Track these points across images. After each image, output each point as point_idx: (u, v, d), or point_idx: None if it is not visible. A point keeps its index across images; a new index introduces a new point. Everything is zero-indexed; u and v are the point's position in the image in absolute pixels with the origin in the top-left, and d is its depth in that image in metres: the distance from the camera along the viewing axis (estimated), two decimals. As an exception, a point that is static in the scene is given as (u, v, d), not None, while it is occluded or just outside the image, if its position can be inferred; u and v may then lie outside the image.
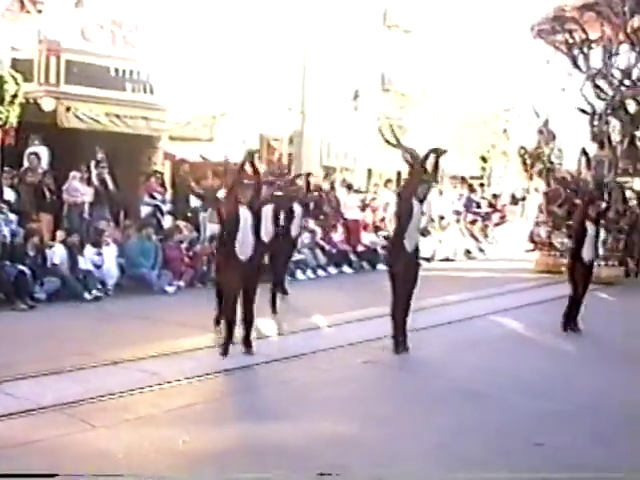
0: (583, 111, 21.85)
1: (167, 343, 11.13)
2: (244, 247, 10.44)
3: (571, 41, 21.55)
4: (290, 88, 27.89)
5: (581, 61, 21.73)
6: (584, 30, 21.10)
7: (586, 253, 13.17)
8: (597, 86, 21.37)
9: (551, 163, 22.27)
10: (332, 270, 19.74)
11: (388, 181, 27.72)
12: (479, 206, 28.17)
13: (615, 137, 21.64)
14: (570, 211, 20.48)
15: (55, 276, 14.54)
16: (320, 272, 19.44)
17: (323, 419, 8.12)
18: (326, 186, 23.45)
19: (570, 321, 13.20)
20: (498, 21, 29.57)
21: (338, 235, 20.99)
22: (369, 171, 31.43)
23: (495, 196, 30.17)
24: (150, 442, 7.25)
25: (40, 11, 19.08)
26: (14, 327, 12.06)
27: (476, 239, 25.70)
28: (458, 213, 26.35)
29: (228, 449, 7.24)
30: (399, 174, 30.74)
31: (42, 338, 11.27)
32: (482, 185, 31.86)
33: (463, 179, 29.67)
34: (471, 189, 28.90)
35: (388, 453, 7.24)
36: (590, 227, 13.31)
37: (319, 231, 20.47)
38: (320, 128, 29.06)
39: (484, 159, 33.79)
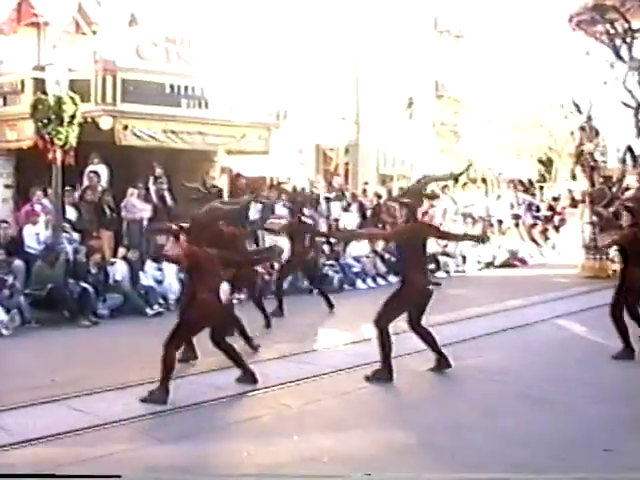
0: (627, 105, 20.70)
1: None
2: None
3: (612, 31, 20.42)
4: (344, 98, 27.91)
5: (624, 52, 20.58)
6: (626, 19, 20.03)
7: None
8: None
9: (595, 161, 21.39)
10: (392, 278, 19.65)
11: (445, 187, 27.60)
12: (539, 209, 27.89)
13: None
14: (617, 212, 19.34)
15: (117, 292, 14.71)
16: (380, 281, 19.39)
17: (390, 428, 8.09)
18: (384, 194, 23.42)
19: None
20: (548, 20, 29.15)
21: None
22: (426, 178, 31.25)
23: (555, 199, 29.81)
24: (215, 455, 7.26)
25: (95, 32, 19.36)
26: (78, 344, 12.20)
27: (537, 243, 25.44)
28: (517, 217, 26.10)
29: (294, 461, 7.21)
30: (456, 180, 30.63)
31: (106, 354, 11.38)
32: (542, 188, 31.53)
33: (521, 182, 29.43)
34: (528, 192, 28.64)
35: (456, 461, 7.17)
36: None
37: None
38: (375, 137, 29.00)
39: (542, 162, 33.40)
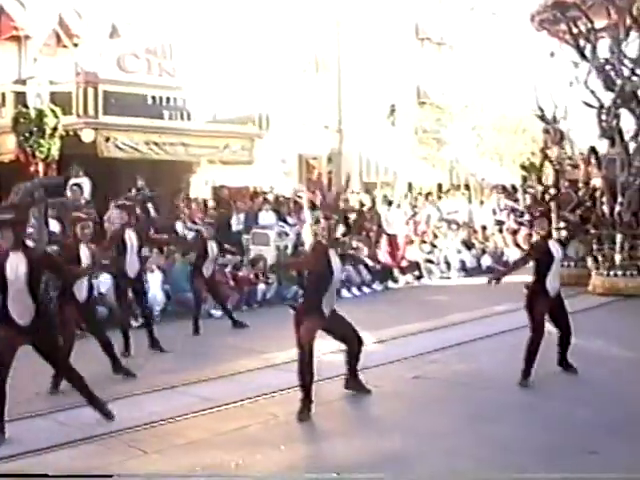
0: (589, 105, 19.51)
1: (216, 367, 11.15)
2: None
3: (576, 31, 19.45)
4: (326, 107, 27.94)
5: (589, 52, 19.46)
6: (588, 17, 19.02)
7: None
8: (606, 77, 19.10)
9: (560, 165, 20.54)
10: (377, 286, 19.68)
11: (429, 194, 27.66)
12: (522, 215, 27.93)
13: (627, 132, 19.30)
14: (584, 216, 19.11)
15: (102, 305, 14.64)
16: (365, 289, 19.39)
17: (378, 436, 8.08)
18: (367, 202, 23.45)
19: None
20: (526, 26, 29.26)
21: (382, 251, 20.94)
22: (409, 185, 31.35)
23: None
24: (203, 466, 7.24)
25: (76, 44, 19.36)
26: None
27: (521, 248, 25.48)
28: (501, 223, 26.16)
29: (282, 471, 7.20)
30: (440, 187, 30.72)
31: (92, 366, 11.31)
32: (526, 192, 31.56)
33: (504, 188, 29.49)
34: (511, 198, 28.68)
35: (444, 467, 7.18)
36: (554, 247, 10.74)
37: (363, 248, 20.45)
38: (358, 145, 29.07)
39: (524, 167, 33.52)
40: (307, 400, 8.94)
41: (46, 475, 6.60)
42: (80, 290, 10.30)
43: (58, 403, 9.18)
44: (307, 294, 10.15)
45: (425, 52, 33.04)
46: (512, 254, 23.46)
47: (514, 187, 20.95)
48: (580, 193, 19.86)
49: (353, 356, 9.85)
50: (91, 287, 10.73)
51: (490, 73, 31.27)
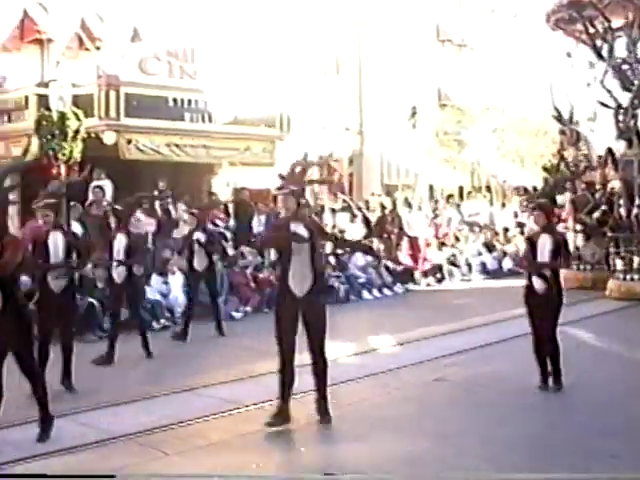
0: (606, 105, 19.24)
1: (237, 369, 11.17)
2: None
3: (592, 30, 19.12)
4: (347, 109, 27.94)
5: (605, 52, 19.14)
6: (605, 16, 18.71)
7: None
8: (623, 77, 18.79)
9: (576, 167, 20.29)
10: (398, 289, 19.66)
11: (450, 196, 27.61)
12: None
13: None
14: (600, 219, 18.91)
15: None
16: (386, 291, 19.40)
17: (396, 439, 8.08)
18: (388, 205, 23.42)
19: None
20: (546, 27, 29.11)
21: (403, 253, 20.93)
22: (431, 187, 31.30)
23: (561, 206, 29.71)
24: (223, 468, 7.27)
25: (98, 47, 19.44)
26: (85, 358, 12.19)
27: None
28: (522, 225, 26.06)
29: (302, 473, 7.22)
30: (461, 189, 30.64)
31: (113, 369, 11.39)
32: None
33: (525, 190, 29.36)
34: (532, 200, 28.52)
35: (460, 469, 7.17)
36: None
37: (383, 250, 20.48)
38: (379, 147, 29.05)
39: (546, 169, 33.38)
40: (283, 406, 8.51)
41: (46, 475, 6.62)
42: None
43: (78, 404, 9.22)
44: (277, 277, 9.91)
45: (446, 54, 32.95)
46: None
47: (535, 189, 20.66)
48: (597, 195, 19.60)
49: (319, 372, 8.84)
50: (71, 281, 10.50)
51: (511, 75, 31.13)
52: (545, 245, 9.94)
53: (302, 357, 8.86)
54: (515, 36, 31.36)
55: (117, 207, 13.22)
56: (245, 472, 7.14)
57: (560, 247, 9.98)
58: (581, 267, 19.65)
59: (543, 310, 9.90)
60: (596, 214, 19.16)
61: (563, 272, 19.65)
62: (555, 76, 21.65)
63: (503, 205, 27.79)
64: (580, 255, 19.61)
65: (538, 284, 9.90)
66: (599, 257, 19.37)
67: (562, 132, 20.55)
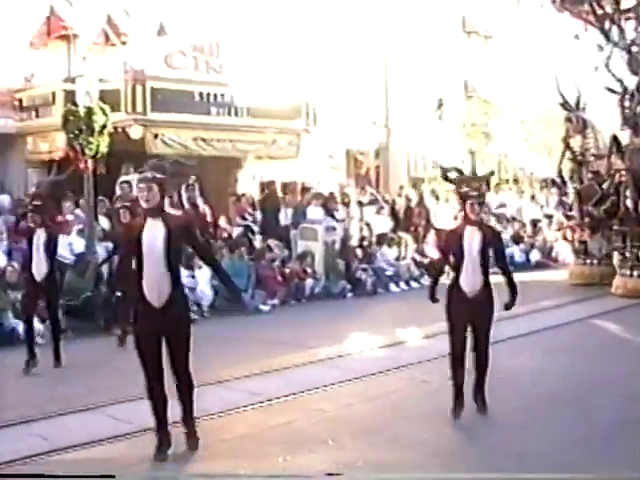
0: (612, 90, 18.31)
1: (264, 362, 11.19)
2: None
3: (600, 12, 18.27)
4: (373, 101, 27.86)
5: (615, 35, 18.24)
6: None
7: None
8: (631, 59, 17.90)
9: (582, 155, 19.37)
10: (425, 281, 19.60)
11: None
12: (571, 209, 27.62)
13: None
14: (608, 211, 18.15)
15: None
16: (413, 283, 19.37)
17: (422, 432, 8.05)
18: (414, 197, 23.38)
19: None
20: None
21: (430, 246, 20.87)
22: (457, 179, 31.13)
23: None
24: (249, 461, 7.27)
25: (124, 42, 19.48)
26: (113, 352, 12.28)
27: (570, 242, 25.23)
28: (550, 217, 25.91)
29: (328, 466, 7.21)
30: (488, 181, 30.41)
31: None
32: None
33: (553, 182, 29.20)
34: (561, 191, 28.40)
35: (486, 465, 7.14)
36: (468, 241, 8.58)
37: (411, 243, 20.45)
38: (406, 139, 28.94)
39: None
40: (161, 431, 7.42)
41: (46, 475, 6.66)
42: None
43: (108, 397, 9.26)
44: None
45: (472, 45, 32.79)
46: (561, 249, 23.26)
47: (563, 181, 20.39)
48: (604, 186, 18.73)
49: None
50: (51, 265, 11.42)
51: (538, 65, 30.93)
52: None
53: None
54: (541, 26, 31.13)
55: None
56: (271, 465, 7.15)
57: None
58: (587, 262, 19.13)
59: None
60: (603, 206, 18.46)
61: (569, 267, 19.56)
62: (561, 60, 20.99)
63: (532, 197, 27.64)
64: (586, 249, 19.14)
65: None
66: (606, 251, 18.80)
67: (568, 119, 19.59)
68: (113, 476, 6.57)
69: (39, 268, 11.35)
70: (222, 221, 19.00)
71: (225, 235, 18.52)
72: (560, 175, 20.21)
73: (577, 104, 19.50)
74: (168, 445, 7.39)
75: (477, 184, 8.67)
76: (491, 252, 8.64)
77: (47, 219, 11.59)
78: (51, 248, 11.41)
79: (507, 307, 8.67)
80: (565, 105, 19.69)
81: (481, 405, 8.61)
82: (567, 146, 19.66)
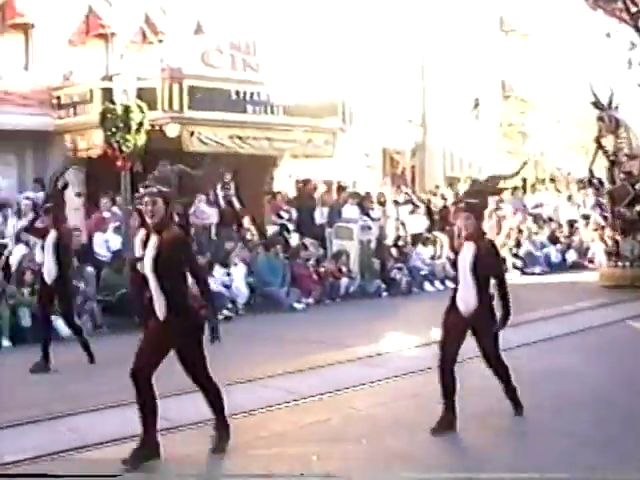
0: None
1: (299, 360, 11.20)
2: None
3: (634, 9, 18.05)
4: (410, 100, 27.79)
5: None
6: None
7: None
8: None
9: (615, 155, 19.11)
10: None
11: (515, 189, 27.31)
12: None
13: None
14: None
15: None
16: (448, 283, 19.27)
17: (458, 431, 8.00)
18: (450, 197, 23.30)
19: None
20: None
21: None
22: (494, 179, 30.98)
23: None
24: (284, 459, 7.27)
25: (161, 41, 19.59)
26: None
27: (606, 243, 25.02)
28: (587, 217, 25.71)
29: (363, 464, 7.20)
30: (524, 181, 30.31)
31: (175, 358, 11.46)
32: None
33: (590, 182, 28.97)
34: (598, 192, 28.18)
35: (522, 463, 7.10)
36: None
37: (446, 242, 20.34)
38: (442, 139, 28.86)
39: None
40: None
41: (46, 475, 6.69)
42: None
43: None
44: None
45: (510, 44, 32.61)
46: (597, 249, 23.05)
47: (600, 181, 20.17)
48: (637, 186, 18.64)
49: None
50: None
51: (576, 65, 30.71)
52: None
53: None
54: (575, 24, 30.90)
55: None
56: (304, 463, 7.14)
57: None
58: (619, 264, 18.87)
59: None
60: (638, 207, 18.33)
61: (601, 269, 19.29)
62: (594, 59, 20.69)
63: (569, 198, 27.43)
64: (618, 251, 18.88)
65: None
66: (638, 253, 18.57)
67: (600, 118, 19.25)
68: (115, 476, 6.60)
69: (49, 270, 11.30)
70: (246, 221, 18.95)
71: (249, 236, 18.41)
72: (594, 175, 19.85)
73: (610, 103, 19.21)
74: (154, 455, 7.20)
75: (472, 200, 8.35)
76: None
77: (58, 221, 11.38)
78: (60, 251, 11.24)
79: (496, 329, 8.24)
80: (597, 104, 19.38)
81: (515, 407, 8.50)
82: (599, 146, 19.41)
